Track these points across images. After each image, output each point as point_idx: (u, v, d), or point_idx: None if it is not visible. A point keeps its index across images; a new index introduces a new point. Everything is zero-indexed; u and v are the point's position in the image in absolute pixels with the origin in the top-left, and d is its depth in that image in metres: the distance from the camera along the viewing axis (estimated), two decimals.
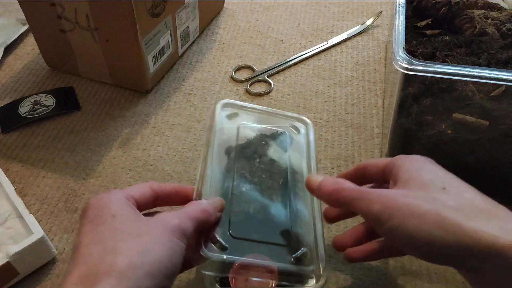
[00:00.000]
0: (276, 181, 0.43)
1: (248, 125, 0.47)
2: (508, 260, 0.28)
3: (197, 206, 0.35)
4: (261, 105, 0.62)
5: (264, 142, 0.46)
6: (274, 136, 0.47)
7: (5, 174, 0.51)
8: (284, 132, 0.47)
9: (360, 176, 0.39)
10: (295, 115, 0.49)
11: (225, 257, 0.35)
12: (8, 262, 0.42)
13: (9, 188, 0.49)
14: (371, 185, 0.41)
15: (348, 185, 0.35)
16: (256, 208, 0.40)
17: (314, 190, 0.37)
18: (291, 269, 0.37)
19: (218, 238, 0.36)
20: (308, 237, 0.40)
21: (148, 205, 0.36)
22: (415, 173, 0.34)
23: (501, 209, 0.31)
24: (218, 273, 0.37)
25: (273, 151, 0.45)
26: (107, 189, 0.53)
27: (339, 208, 0.41)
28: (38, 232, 0.44)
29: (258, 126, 0.47)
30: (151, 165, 0.55)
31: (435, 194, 0.32)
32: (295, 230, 0.40)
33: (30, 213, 0.46)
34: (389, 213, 0.31)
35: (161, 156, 0.56)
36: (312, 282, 0.37)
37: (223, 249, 0.36)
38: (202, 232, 0.36)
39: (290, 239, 0.39)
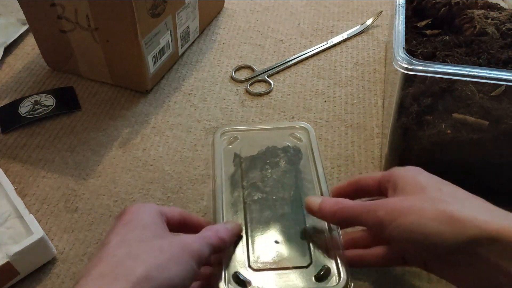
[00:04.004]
0: (288, 191, 0.43)
1: (250, 145, 0.48)
2: (499, 244, 0.30)
3: (215, 234, 0.36)
4: (261, 106, 0.62)
5: (275, 155, 0.47)
6: (285, 149, 0.47)
7: (5, 174, 0.51)
8: (295, 146, 0.48)
9: (354, 190, 0.41)
10: (294, 123, 0.50)
11: None
12: (8, 262, 0.42)
13: (9, 188, 0.49)
14: (365, 199, 0.41)
15: (349, 202, 0.37)
16: (272, 229, 0.41)
17: (315, 212, 0.39)
18: None
19: (240, 277, 0.37)
20: (327, 252, 0.40)
21: (174, 228, 0.38)
22: (412, 179, 0.36)
23: (494, 206, 0.33)
24: None
25: (284, 163, 0.46)
26: (107, 189, 0.53)
27: (342, 226, 0.42)
28: (38, 232, 0.44)
29: (259, 144, 0.48)
30: (151, 165, 0.55)
31: (432, 194, 0.34)
32: (314, 246, 0.40)
33: (30, 213, 0.46)
34: (392, 216, 0.33)
35: (161, 156, 0.56)
36: None
37: (246, 284, 0.37)
38: (219, 264, 0.38)
39: (310, 258, 0.39)
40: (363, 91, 0.65)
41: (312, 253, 0.39)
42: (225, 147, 0.47)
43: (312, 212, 0.39)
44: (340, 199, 0.38)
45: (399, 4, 0.51)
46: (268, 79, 0.66)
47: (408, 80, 0.46)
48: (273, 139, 0.48)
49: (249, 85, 0.65)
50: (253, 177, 0.44)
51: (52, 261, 0.46)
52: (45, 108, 0.61)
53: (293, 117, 0.61)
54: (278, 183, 0.44)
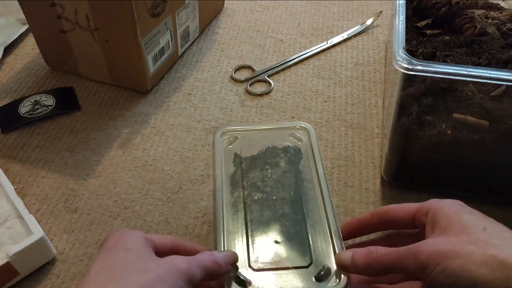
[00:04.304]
0: (288, 192, 0.43)
1: (250, 145, 0.47)
2: None
3: (210, 256, 0.35)
4: (261, 106, 0.62)
5: (275, 155, 0.46)
6: (285, 149, 0.47)
7: (5, 174, 0.51)
8: (295, 146, 0.48)
9: (380, 223, 0.39)
10: (294, 123, 0.49)
11: None
12: (8, 262, 0.42)
13: (9, 188, 0.49)
14: (389, 232, 0.40)
15: (383, 249, 0.35)
16: (272, 229, 0.40)
17: (349, 268, 0.36)
18: None
19: (240, 277, 0.37)
20: (328, 252, 0.39)
21: (166, 255, 0.37)
22: (455, 217, 0.34)
23: None
24: None
25: (284, 163, 0.46)
26: (106, 189, 0.53)
27: (379, 275, 0.39)
28: (38, 232, 0.44)
29: (259, 144, 0.48)
30: (151, 165, 0.55)
31: (477, 235, 0.32)
32: (314, 246, 0.39)
33: (30, 213, 0.46)
34: (437, 259, 0.32)
35: (161, 156, 0.56)
36: None
37: (247, 284, 0.36)
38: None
39: (310, 258, 0.39)
40: (363, 91, 0.65)
41: (312, 253, 0.39)
42: (225, 147, 0.47)
43: (345, 268, 0.37)
44: (372, 248, 0.36)
45: (399, 4, 0.51)
46: (268, 79, 0.66)
47: (408, 80, 0.46)
48: (273, 139, 0.48)
49: (249, 85, 0.65)
50: (253, 177, 0.44)
51: (52, 261, 0.46)
52: (45, 108, 0.61)
53: (293, 117, 0.61)
54: (278, 183, 0.44)
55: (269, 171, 0.45)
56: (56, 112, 0.60)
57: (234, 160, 0.46)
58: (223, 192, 0.43)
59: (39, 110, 0.60)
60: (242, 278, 0.37)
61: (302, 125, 0.49)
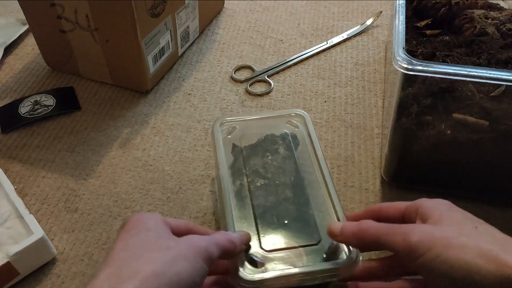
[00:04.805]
0: (288, 177, 0.44)
1: (249, 134, 0.48)
2: None
3: (225, 236, 0.36)
4: (261, 106, 0.62)
5: (273, 142, 0.47)
6: (283, 136, 0.48)
7: (5, 174, 0.51)
8: (292, 133, 0.49)
9: (372, 219, 0.39)
10: (290, 111, 0.50)
11: (266, 275, 0.36)
12: (8, 262, 0.42)
13: (9, 188, 0.49)
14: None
15: (374, 223, 0.36)
16: (279, 211, 0.41)
17: (337, 236, 0.37)
18: (324, 267, 0.37)
19: (253, 258, 0.37)
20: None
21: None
22: (446, 213, 0.34)
23: None
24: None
25: (283, 150, 0.47)
26: (107, 189, 0.53)
27: (363, 248, 0.40)
28: (38, 232, 0.44)
29: (258, 133, 0.49)
30: (151, 165, 0.55)
31: (469, 231, 0.32)
32: (321, 225, 0.40)
33: (30, 213, 0.46)
34: (427, 245, 0.31)
35: (161, 156, 0.56)
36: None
37: (260, 265, 0.37)
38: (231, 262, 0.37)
39: (319, 236, 0.40)
40: (363, 91, 0.65)
41: (320, 231, 0.40)
42: (224, 137, 0.48)
43: (334, 236, 0.38)
44: (364, 221, 0.36)
45: (399, 4, 0.51)
46: (268, 79, 0.66)
47: (408, 80, 0.46)
48: (271, 127, 0.49)
49: (249, 85, 0.65)
50: (255, 164, 0.45)
51: (52, 261, 0.46)
52: (45, 108, 0.61)
53: None
54: (279, 169, 0.45)
55: (269, 158, 0.46)
56: (56, 112, 0.61)
57: (233, 150, 0.47)
58: (228, 180, 0.43)
59: (39, 110, 0.60)
60: (255, 259, 0.37)
61: (298, 112, 0.50)
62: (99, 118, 0.61)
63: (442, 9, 0.55)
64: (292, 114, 0.50)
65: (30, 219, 0.45)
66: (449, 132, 0.46)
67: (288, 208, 0.42)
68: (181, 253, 0.32)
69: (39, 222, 0.46)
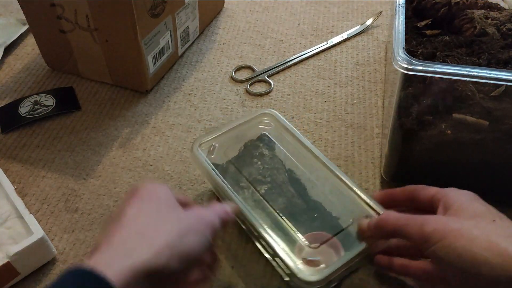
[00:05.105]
0: (282, 174, 0.46)
1: (229, 147, 0.50)
2: None
3: (222, 207, 0.38)
4: (261, 106, 0.63)
5: (255, 147, 0.49)
6: (261, 138, 0.50)
7: (5, 174, 0.51)
8: (264, 133, 0.50)
9: (406, 198, 0.42)
10: (258, 112, 0.52)
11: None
12: (8, 262, 0.42)
13: (9, 188, 0.49)
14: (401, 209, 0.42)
15: (393, 213, 0.38)
16: (299, 210, 0.43)
17: (366, 231, 0.40)
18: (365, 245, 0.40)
19: (309, 259, 0.39)
20: (356, 203, 0.43)
21: None
22: (467, 203, 0.36)
23: None
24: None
25: (267, 151, 0.48)
26: (107, 189, 0.53)
27: (385, 237, 0.41)
28: (38, 232, 0.44)
29: (237, 143, 0.50)
30: (151, 165, 0.55)
31: (485, 224, 0.34)
32: (338, 210, 0.43)
33: (30, 213, 0.46)
34: (440, 234, 0.33)
35: (161, 156, 0.56)
36: None
37: (317, 263, 0.39)
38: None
39: (345, 219, 0.42)
40: (363, 91, 0.65)
41: (342, 215, 0.42)
42: (208, 157, 0.48)
43: (362, 231, 0.40)
44: (385, 212, 0.39)
45: (399, 4, 0.51)
46: (268, 79, 0.66)
47: (408, 80, 0.46)
48: (246, 133, 0.51)
49: (249, 85, 0.65)
50: (250, 173, 0.46)
51: (52, 261, 0.46)
52: (45, 108, 0.61)
53: (293, 117, 0.61)
54: (272, 170, 0.46)
55: (259, 163, 0.47)
56: (56, 112, 0.61)
57: (218, 168, 0.47)
58: (234, 197, 0.44)
59: (39, 110, 0.60)
60: (312, 259, 0.39)
61: (266, 112, 0.52)
62: (99, 118, 0.61)
63: (442, 9, 0.55)
64: (261, 114, 0.52)
65: (30, 219, 0.45)
66: (449, 132, 0.46)
67: (298, 202, 0.43)
68: (192, 226, 0.33)
69: (39, 222, 0.46)
